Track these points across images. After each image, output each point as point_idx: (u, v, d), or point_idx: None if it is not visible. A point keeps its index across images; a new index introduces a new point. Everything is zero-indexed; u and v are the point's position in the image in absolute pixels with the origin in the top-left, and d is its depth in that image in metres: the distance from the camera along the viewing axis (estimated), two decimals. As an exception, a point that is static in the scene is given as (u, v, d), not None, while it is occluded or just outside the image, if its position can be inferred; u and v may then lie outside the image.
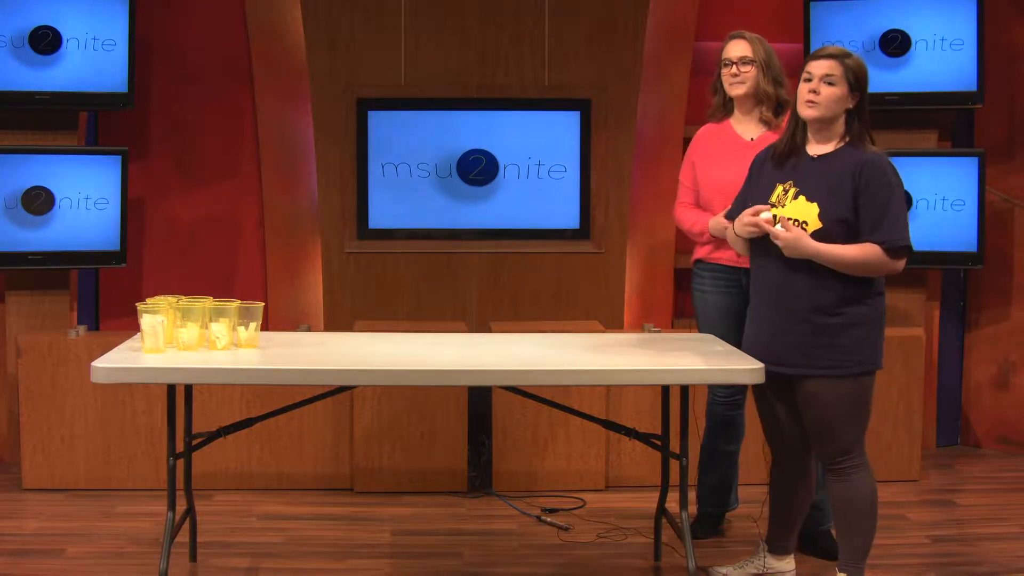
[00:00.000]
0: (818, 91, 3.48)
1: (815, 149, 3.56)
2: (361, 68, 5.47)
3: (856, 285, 3.47)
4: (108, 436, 4.89)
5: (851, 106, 3.51)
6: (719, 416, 4.29)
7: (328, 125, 5.49)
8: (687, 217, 4.24)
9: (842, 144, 3.53)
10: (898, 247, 3.43)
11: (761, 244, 3.57)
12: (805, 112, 3.51)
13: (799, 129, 3.58)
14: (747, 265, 4.03)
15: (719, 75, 4.18)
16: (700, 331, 4.21)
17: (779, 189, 3.57)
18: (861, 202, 3.43)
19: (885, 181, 3.44)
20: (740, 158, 4.06)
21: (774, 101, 4.11)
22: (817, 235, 3.45)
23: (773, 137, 4.02)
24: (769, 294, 3.57)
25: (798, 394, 3.56)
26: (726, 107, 4.21)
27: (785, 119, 4.05)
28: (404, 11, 5.43)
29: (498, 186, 5.56)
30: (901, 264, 3.47)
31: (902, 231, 3.44)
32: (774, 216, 3.52)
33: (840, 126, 3.53)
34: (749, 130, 4.17)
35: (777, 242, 3.47)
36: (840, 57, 3.50)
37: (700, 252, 4.24)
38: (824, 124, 3.52)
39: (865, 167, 3.45)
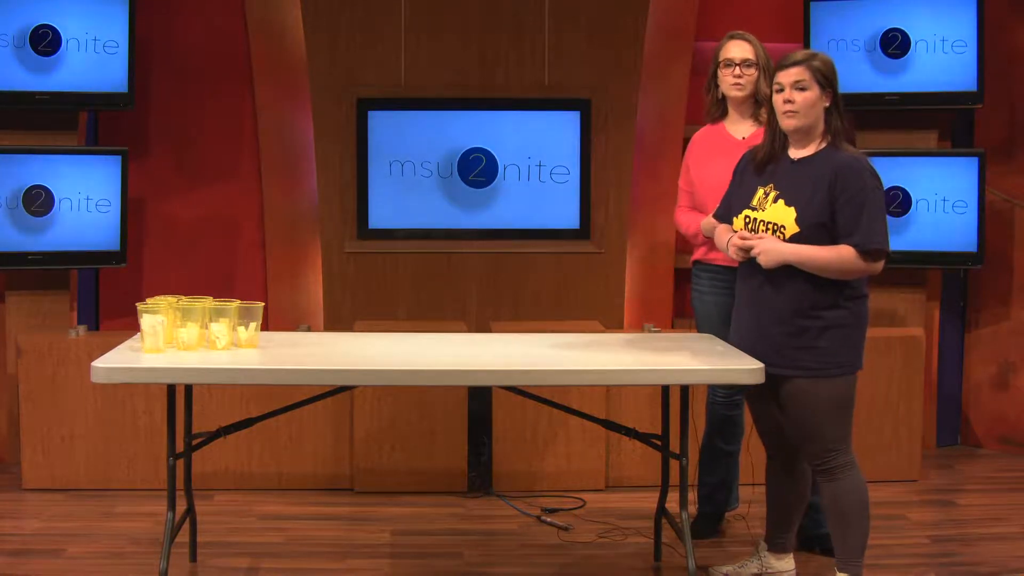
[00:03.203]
0: (792, 99, 3.50)
1: (796, 152, 3.59)
2: (361, 68, 5.47)
3: (835, 289, 3.49)
4: (108, 436, 4.89)
5: (827, 104, 3.53)
6: (719, 416, 4.30)
7: (328, 125, 5.49)
8: (683, 220, 4.26)
9: (823, 145, 3.55)
10: (872, 250, 3.44)
11: None
12: (786, 124, 3.54)
13: (778, 136, 3.60)
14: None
15: (714, 74, 4.16)
16: (699, 332, 4.21)
17: (760, 192, 3.60)
18: (838, 206, 3.45)
19: (860, 185, 3.45)
20: (733, 158, 4.06)
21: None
22: (795, 239, 3.48)
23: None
24: (749, 296, 3.61)
25: (780, 394, 3.58)
26: (720, 106, 4.20)
27: None
28: (404, 11, 5.43)
29: (498, 186, 5.55)
30: (878, 266, 3.49)
31: (877, 234, 3.45)
32: (749, 220, 3.56)
33: (820, 126, 3.55)
34: (742, 129, 4.16)
35: (753, 254, 3.51)
36: (806, 60, 3.52)
37: (697, 253, 4.26)
38: (804, 131, 3.55)
39: (841, 171, 3.46)
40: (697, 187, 4.20)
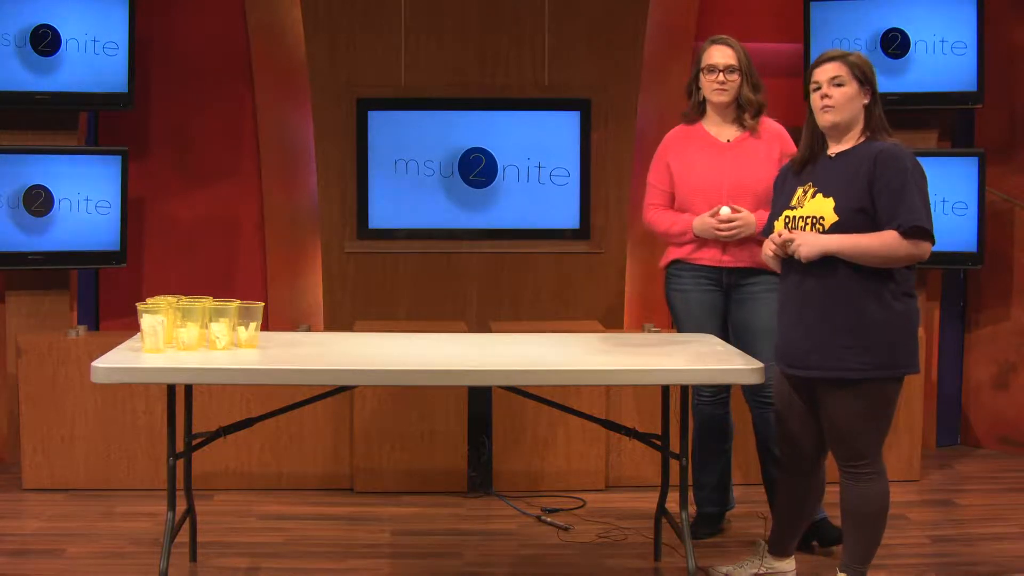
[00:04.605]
0: (830, 95, 3.48)
1: (835, 149, 3.55)
2: (361, 68, 5.48)
3: (880, 285, 3.41)
4: (108, 436, 4.89)
5: (866, 101, 3.51)
6: (707, 416, 4.28)
7: (328, 125, 5.49)
8: (663, 219, 4.21)
9: (862, 139, 3.52)
10: (912, 227, 3.36)
11: None
12: (824, 120, 3.50)
13: (816, 136, 3.57)
14: (728, 264, 4.06)
15: (696, 76, 4.16)
16: (682, 331, 4.21)
17: (799, 191, 3.55)
18: (877, 189, 3.39)
19: (900, 167, 3.40)
20: (719, 160, 4.09)
21: (755, 107, 4.11)
22: (835, 228, 3.41)
23: (750, 139, 4.10)
24: (795, 299, 3.52)
25: (821, 397, 3.51)
26: (700, 108, 4.19)
27: (760, 121, 4.08)
28: (404, 11, 5.44)
29: (498, 186, 5.56)
30: (923, 248, 3.39)
31: (917, 213, 3.37)
32: (788, 220, 3.53)
33: (859, 123, 3.52)
34: (725, 132, 4.15)
35: (790, 249, 3.45)
36: (842, 57, 3.51)
37: (679, 253, 4.20)
38: (842, 127, 3.52)
39: (880, 155, 3.42)
40: (679, 187, 4.17)
